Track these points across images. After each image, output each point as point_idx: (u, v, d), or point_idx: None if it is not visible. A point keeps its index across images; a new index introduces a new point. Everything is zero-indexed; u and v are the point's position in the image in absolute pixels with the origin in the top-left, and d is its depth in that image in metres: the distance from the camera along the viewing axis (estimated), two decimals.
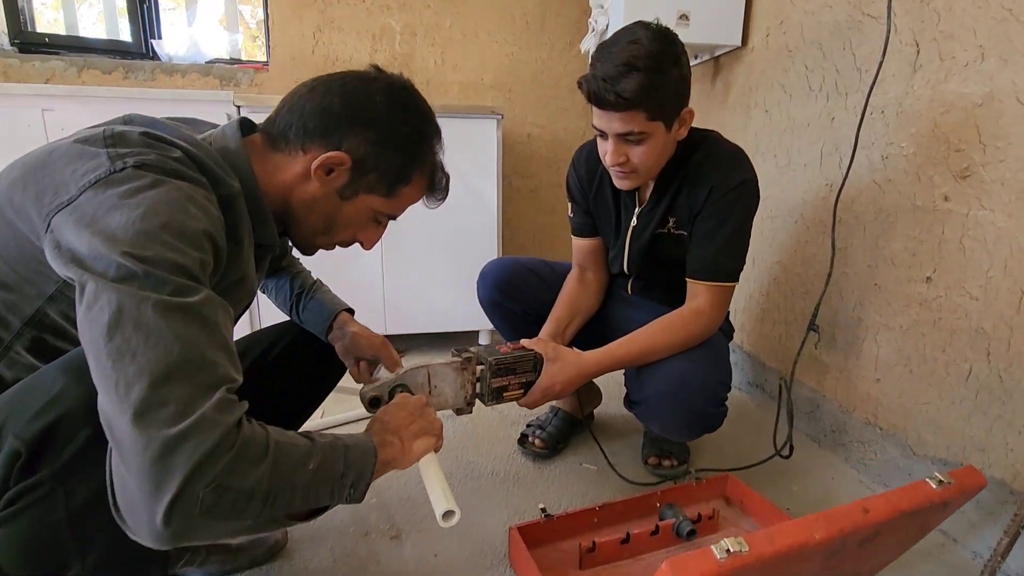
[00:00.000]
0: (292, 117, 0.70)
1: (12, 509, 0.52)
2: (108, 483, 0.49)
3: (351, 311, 1.01)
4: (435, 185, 0.80)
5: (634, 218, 1.15)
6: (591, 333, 1.23)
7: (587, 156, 1.20)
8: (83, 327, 0.49)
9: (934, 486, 0.70)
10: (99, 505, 0.50)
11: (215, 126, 0.72)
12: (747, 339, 1.74)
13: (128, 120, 0.63)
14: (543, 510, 1.02)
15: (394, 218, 0.79)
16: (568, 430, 1.39)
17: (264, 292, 1.06)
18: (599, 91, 0.92)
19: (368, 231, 0.79)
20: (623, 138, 0.97)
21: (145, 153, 0.56)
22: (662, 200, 1.10)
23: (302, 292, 1.01)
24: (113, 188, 0.52)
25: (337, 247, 0.80)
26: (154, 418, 0.46)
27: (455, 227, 1.87)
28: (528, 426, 1.39)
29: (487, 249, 1.92)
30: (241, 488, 0.50)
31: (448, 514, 0.66)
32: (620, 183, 1.06)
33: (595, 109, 0.96)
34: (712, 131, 1.10)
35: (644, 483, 1.21)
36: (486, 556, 1.00)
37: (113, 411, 0.47)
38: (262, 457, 0.52)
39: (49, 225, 0.52)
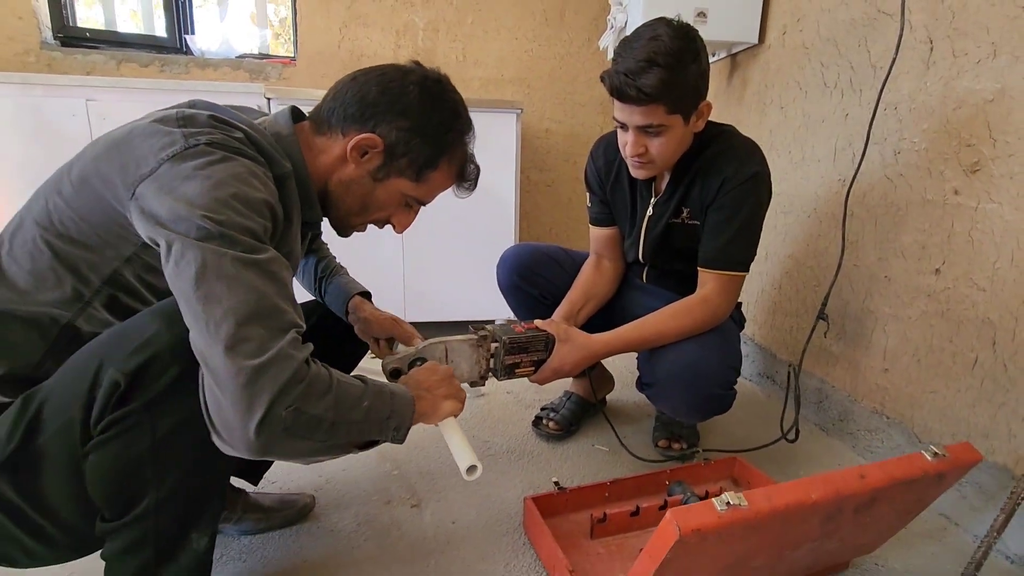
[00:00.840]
0: (335, 104, 0.77)
1: (104, 436, 0.59)
2: (204, 408, 0.56)
3: (367, 294, 1.07)
4: (464, 174, 0.85)
5: (650, 208, 1.19)
6: (605, 318, 1.28)
7: (605, 148, 1.25)
8: (172, 278, 0.57)
9: (929, 458, 0.74)
10: (179, 437, 0.60)
11: (264, 114, 0.80)
12: (758, 331, 1.77)
13: (193, 104, 0.71)
14: (556, 483, 1.07)
15: (424, 203, 0.85)
16: (581, 413, 1.43)
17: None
18: (621, 85, 0.96)
19: (400, 214, 0.85)
20: (643, 130, 1.01)
21: (213, 133, 0.63)
22: (677, 190, 1.14)
23: (325, 275, 1.08)
24: (188, 161, 0.60)
25: (371, 227, 0.87)
26: (241, 350, 0.54)
27: (474, 218, 1.93)
28: (542, 409, 1.44)
29: (505, 241, 1.97)
30: (313, 413, 0.58)
31: (472, 468, 0.72)
32: (637, 173, 1.10)
33: (616, 102, 1.01)
34: (728, 125, 1.14)
35: (655, 461, 1.25)
36: (502, 524, 1.06)
37: (206, 345, 0.55)
38: (327, 390, 0.60)
39: (134, 193, 0.60)
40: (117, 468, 0.60)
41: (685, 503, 1.05)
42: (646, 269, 1.29)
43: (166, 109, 0.67)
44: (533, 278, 1.31)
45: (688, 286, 1.17)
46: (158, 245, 0.58)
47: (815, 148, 1.51)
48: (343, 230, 0.86)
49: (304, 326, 0.62)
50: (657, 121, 0.99)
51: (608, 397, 1.57)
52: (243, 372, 0.54)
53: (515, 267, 1.31)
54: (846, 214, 1.23)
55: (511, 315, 1.91)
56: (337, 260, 1.13)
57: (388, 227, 0.88)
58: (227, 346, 0.54)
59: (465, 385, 1.02)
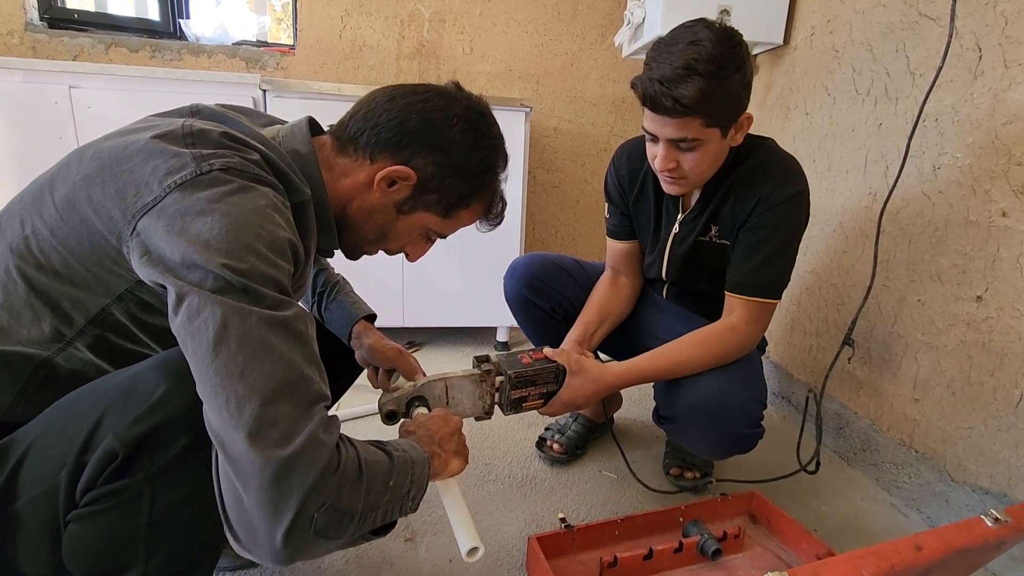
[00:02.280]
0: (366, 124, 0.68)
1: (93, 508, 0.50)
2: (219, 501, 0.49)
3: (372, 316, 0.99)
4: (492, 212, 0.79)
5: (676, 225, 1.09)
6: (620, 337, 1.19)
7: (629, 156, 1.15)
8: (184, 336, 0.49)
9: (990, 524, 0.65)
10: (179, 512, 0.52)
11: (273, 120, 0.72)
12: (775, 349, 1.68)
13: (198, 111, 0.63)
14: (563, 520, 0.99)
15: (444, 237, 0.78)
16: (587, 435, 1.35)
17: None
18: (655, 95, 0.86)
19: (417, 245, 0.79)
20: (675, 143, 0.92)
21: (228, 156, 0.54)
22: (707, 207, 1.05)
23: (324, 291, 0.99)
24: (201, 192, 0.51)
25: (381, 253, 0.79)
26: (267, 437, 0.46)
27: None
28: (547, 429, 1.36)
29: (509, 244, 1.88)
30: (346, 509, 0.51)
31: (473, 551, 0.64)
32: (669, 188, 1.00)
33: (647, 111, 0.91)
34: (767, 138, 1.04)
35: (666, 492, 1.17)
36: (502, 564, 0.98)
37: (224, 429, 0.47)
38: (359, 477, 0.52)
39: (135, 228, 0.51)
40: (104, 542, 0.51)
41: (702, 546, 0.97)
42: (667, 286, 1.19)
43: (166, 116, 0.59)
44: (544, 291, 1.21)
45: (711, 307, 1.09)
46: (163, 288, 0.50)
47: (843, 159, 1.42)
48: (353, 254, 0.79)
49: (330, 395, 0.53)
50: (692, 135, 0.89)
51: (616, 415, 1.49)
52: (271, 465, 0.46)
53: (525, 278, 1.21)
54: (879, 232, 1.14)
55: (514, 322, 1.83)
56: (334, 270, 1.04)
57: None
58: (251, 432, 0.46)
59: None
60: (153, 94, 1.59)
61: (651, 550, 0.94)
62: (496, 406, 0.97)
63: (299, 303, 0.68)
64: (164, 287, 0.50)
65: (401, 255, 0.80)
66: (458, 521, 0.68)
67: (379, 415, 0.86)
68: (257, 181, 0.55)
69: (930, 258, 1.17)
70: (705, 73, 0.84)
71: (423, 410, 0.85)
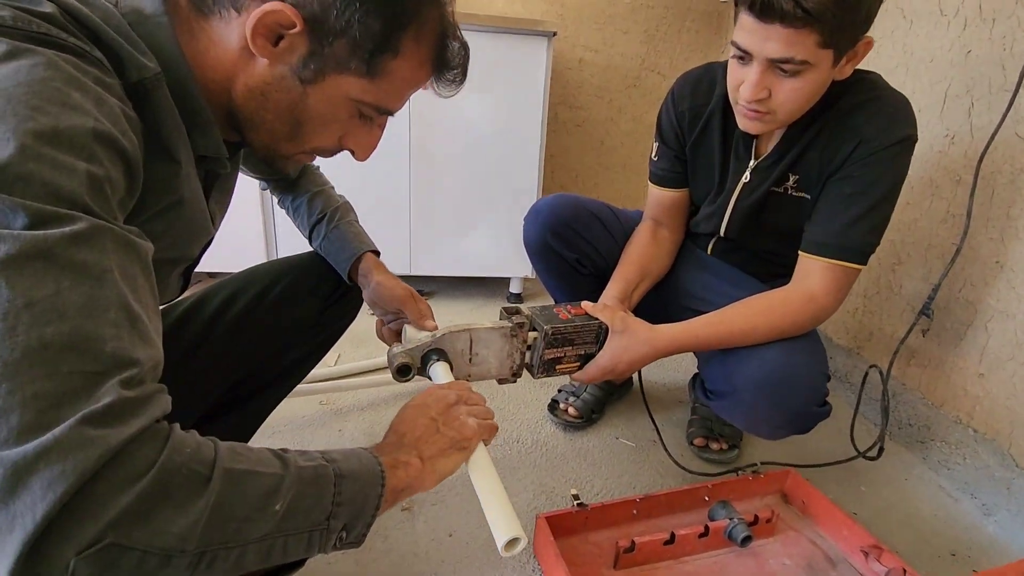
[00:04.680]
0: None
1: None
2: None
3: (377, 252, 0.86)
4: (445, 60, 0.55)
5: (747, 173, 0.91)
6: (655, 297, 1.04)
7: (693, 90, 0.95)
8: None
9: None
10: None
11: None
12: None
13: None
14: (575, 497, 0.89)
15: (388, 112, 0.56)
16: (605, 398, 1.24)
17: (284, 211, 0.90)
18: None
19: (356, 133, 0.56)
20: (776, 65, 0.73)
21: None
22: (788, 152, 0.86)
23: (322, 218, 0.84)
24: None
25: (320, 158, 0.60)
26: None
27: (492, 159, 1.68)
28: (560, 391, 1.25)
29: (526, 187, 1.72)
30: (149, 549, 0.32)
31: (512, 542, 0.50)
32: (749, 125, 0.81)
33: (746, 19, 0.71)
34: (872, 72, 0.84)
35: (694, 472, 1.06)
36: None
37: None
38: (194, 497, 0.34)
39: None
40: None
41: (731, 532, 0.87)
42: (714, 240, 1.03)
43: None
44: (572, 239, 1.04)
45: (761, 266, 0.94)
46: None
47: (916, 94, 1.21)
48: (276, 163, 0.58)
49: (149, 359, 0.35)
50: (801, 55, 0.70)
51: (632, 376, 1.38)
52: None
53: (551, 223, 1.04)
54: (976, 181, 0.97)
55: (529, 272, 1.69)
56: (335, 192, 0.90)
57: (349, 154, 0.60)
58: None
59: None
60: None
61: (673, 534, 0.84)
62: (525, 368, 0.85)
63: (181, 223, 0.50)
64: None
65: (348, 156, 0.59)
66: (492, 504, 0.53)
67: (389, 370, 0.72)
68: (44, 43, 0.36)
69: (1017, 213, 0.99)
70: None
71: (443, 366, 0.72)
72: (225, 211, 0.66)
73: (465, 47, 0.57)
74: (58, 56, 0.36)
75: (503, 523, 0.51)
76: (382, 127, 0.59)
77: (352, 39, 0.48)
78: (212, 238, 0.61)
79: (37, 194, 0.32)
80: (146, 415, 0.33)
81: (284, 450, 0.43)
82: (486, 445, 0.60)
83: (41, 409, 0.30)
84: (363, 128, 0.56)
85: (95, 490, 0.30)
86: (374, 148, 0.59)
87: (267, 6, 0.45)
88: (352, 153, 0.59)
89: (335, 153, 0.58)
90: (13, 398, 0.29)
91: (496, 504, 0.53)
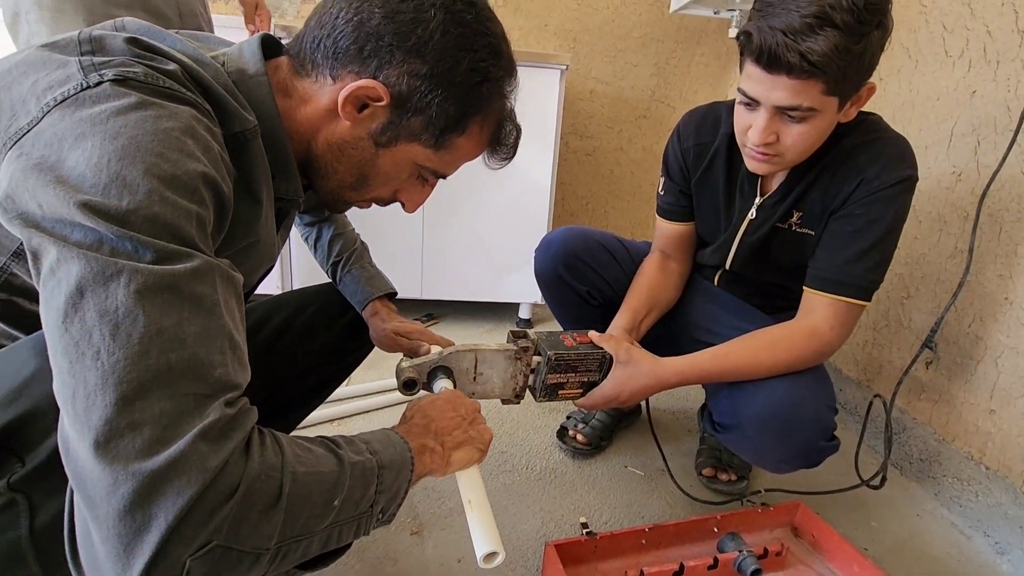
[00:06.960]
0: (322, 32, 0.53)
1: None
2: (66, 527, 0.36)
3: (392, 294, 0.90)
4: (500, 140, 0.62)
5: (753, 210, 0.93)
6: (662, 328, 1.05)
7: (698, 127, 0.97)
8: (42, 307, 0.36)
9: None
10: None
11: (229, 43, 0.57)
12: None
13: (120, 26, 0.49)
14: (584, 525, 0.89)
15: (444, 176, 0.63)
16: (614, 425, 1.25)
17: (304, 240, 0.95)
18: (775, 48, 0.69)
19: (411, 189, 0.63)
20: (782, 112, 0.75)
21: (129, 64, 0.42)
22: (792, 190, 0.88)
23: (339, 260, 0.89)
24: (84, 110, 0.38)
25: (374, 205, 0.66)
26: (124, 448, 0.33)
27: (504, 188, 1.71)
28: (568, 417, 1.26)
29: (537, 215, 1.75)
30: (244, 549, 0.37)
31: (490, 556, 0.54)
32: (757, 167, 0.83)
33: (753, 69, 0.74)
34: (872, 113, 0.87)
35: (703, 501, 1.06)
36: (516, 568, 0.89)
37: (72, 433, 0.34)
38: (274, 501, 0.38)
39: (4, 159, 0.39)
40: None
41: (739, 564, 0.86)
42: (720, 273, 1.05)
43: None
44: (582, 271, 1.06)
45: (766, 300, 0.95)
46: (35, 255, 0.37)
47: (922, 131, 1.24)
48: (336, 206, 0.65)
49: (244, 382, 0.40)
50: (807, 103, 0.72)
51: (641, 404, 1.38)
52: (124, 485, 0.33)
53: (562, 255, 1.05)
54: (978, 218, 0.99)
55: (539, 299, 1.71)
56: (356, 233, 0.95)
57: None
58: (99, 438, 0.33)
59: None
60: None
61: (682, 565, 0.84)
62: (528, 390, 0.87)
63: (255, 258, 0.56)
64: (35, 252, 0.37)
65: (398, 207, 0.66)
66: (476, 518, 0.57)
67: (396, 383, 0.76)
68: (167, 97, 0.42)
69: None
70: (843, 25, 0.66)
71: (447, 383, 0.75)
72: (284, 242, 0.71)
73: (518, 130, 0.64)
74: (178, 108, 0.42)
75: (484, 537, 0.55)
76: (433, 186, 0.65)
77: (428, 117, 0.55)
78: (273, 266, 0.66)
79: (161, 233, 0.37)
80: (243, 429, 0.38)
81: (334, 441, 0.47)
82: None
83: (165, 425, 0.34)
84: (417, 186, 0.63)
85: (206, 497, 0.34)
86: (422, 204, 0.66)
87: (363, 82, 0.52)
88: (402, 205, 0.65)
89: (388, 204, 0.65)
90: (144, 415, 0.34)
91: (479, 518, 0.57)
